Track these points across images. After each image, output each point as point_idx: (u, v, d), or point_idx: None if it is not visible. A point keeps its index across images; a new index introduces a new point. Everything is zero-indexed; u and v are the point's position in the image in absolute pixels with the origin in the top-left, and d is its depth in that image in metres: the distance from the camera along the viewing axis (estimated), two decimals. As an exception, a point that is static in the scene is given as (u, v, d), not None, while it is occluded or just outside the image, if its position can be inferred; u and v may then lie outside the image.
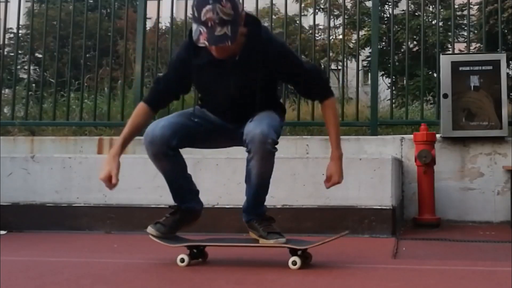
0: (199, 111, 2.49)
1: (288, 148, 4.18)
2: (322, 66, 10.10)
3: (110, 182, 2.26)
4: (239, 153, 3.90)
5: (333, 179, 2.47)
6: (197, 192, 2.55)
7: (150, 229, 2.42)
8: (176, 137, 2.33)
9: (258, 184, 2.36)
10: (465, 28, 9.83)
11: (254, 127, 2.25)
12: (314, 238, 2.73)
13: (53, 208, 3.57)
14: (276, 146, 2.27)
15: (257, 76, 2.32)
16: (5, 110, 6.26)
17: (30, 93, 5.70)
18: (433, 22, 11.98)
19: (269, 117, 2.33)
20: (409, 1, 4.98)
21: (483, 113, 4.07)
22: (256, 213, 2.44)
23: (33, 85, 8.35)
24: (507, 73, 5.25)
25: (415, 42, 12.04)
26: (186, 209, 2.49)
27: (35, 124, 5.37)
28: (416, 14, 12.28)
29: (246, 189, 2.45)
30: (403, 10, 9.22)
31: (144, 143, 2.36)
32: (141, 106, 2.48)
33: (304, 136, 4.55)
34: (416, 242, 3.15)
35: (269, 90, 2.43)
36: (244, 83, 2.34)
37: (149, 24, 6.69)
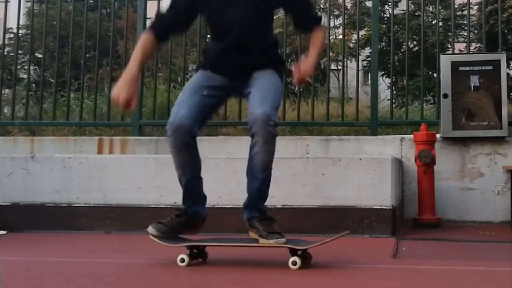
0: (204, 77, 2.50)
1: (288, 148, 4.19)
2: (322, 66, 10.13)
3: (128, 106, 2.32)
4: (239, 153, 3.91)
5: (304, 69, 2.44)
6: (205, 197, 2.55)
7: (150, 229, 2.41)
8: (196, 124, 2.38)
9: (262, 172, 2.39)
10: (465, 28, 9.85)
11: (258, 105, 2.30)
12: (314, 238, 2.73)
13: (53, 208, 3.57)
14: (276, 128, 2.34)
15: (264, 7, 2.45)
16: (5, 110, 6.26)
17: (30, 93, 5.70)
18: (433, 22, 11.99)
19: (272, 89, 2.41)
20: (409, 1, 4.98)
21: (483, 113, 4.07)
22: (258, 209, 2.43)
23: (33, 85, 8.35)
24: (507, 73, 5.25)
25: (415, 42, 12.05)
26: (193, 213, 2.48)
27: (35, 124, 5.37)
28: (416, 14, 12.29)
29: (249, 183, 2.45)
30: (403, 10, 9.23)
31: (167, 135, 2.37)
32: (146, 36, 2.47)
33: (304, 136, 4.55)
34: (416, 242, 3.15)
35: (269, 31, 2.58)
36: (252, 11, 2.42)
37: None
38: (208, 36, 2.67)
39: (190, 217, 2.46)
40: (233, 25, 2.44)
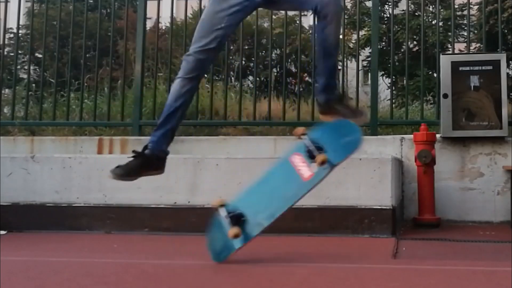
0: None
1: (288, 148, 4.18)
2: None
3: None
4: (239, 153, 3.92)
5: None
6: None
7: (110, 174, 2.49)
8: (220, 46, 2.51)
9: (336, 48, 2.50)
10: (465, 28, 9.85)
11: None
12: (315, 239, 2.74)
13: (53, 208, 3.56)
14: None
15: None
16: (5, 110, 6.26)
17: (30, 93, 5.71)
18: (433, 22, 11.99)
19: None
20: (409, 1, 4.98)
21: (483, 113, 4.07)
22: (335, 88, 2.55)
23: (33, 85, 8.35)
24: (507, 73, 5.25)
25: (415, 42, 12.05)
26: (158, 152, 2.51)
27: (35, 124, 5.37)
28: (416, 14, 12.29)
29: (325, 64, 2.51)
30: (403, 10, 9.24)
31: (186, 62, 2.46)
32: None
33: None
34: (416, 242, 3.15)
35: None
36: None
37: (149, 24, 6.69)
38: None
39: (151, 157, 2.50)
40: None
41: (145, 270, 2.29)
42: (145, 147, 2.51)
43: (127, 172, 2.48)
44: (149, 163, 2.51)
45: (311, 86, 5.75)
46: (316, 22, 2.47)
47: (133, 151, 2.51)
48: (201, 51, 2.46)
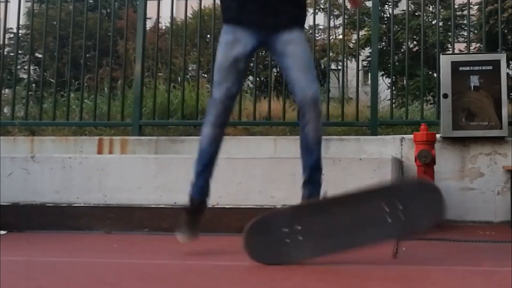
0: (231, 43, 2.60)
1: (288, 148, 4.18)
2: (322, 66, 10.11)
3: None
4: (239, 153, 3.91)
5: None
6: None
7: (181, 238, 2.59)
8: (237, 92, 2.63)
9: (317, 145, 2.60)
10: (465, 28, 9.85)
11: (308, 85, 2.53)
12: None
13: (53, 208, 3.56)
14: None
15: None
16: (5, 110, 6.26)
17: (30, 93, 5.70)
18: (433, 22, 11.98)
19: (311, 62, 2.62)
20: (409, 1, 4.98)
21: (483, 113, 4.07)
22: (318, 183, 2.62)
23: (33, 85, 8.35)
24: (507, 73, 5.25)
25: (415, 42, 12.04)
26: (201, 199, 2.67)
27: (35, 124, 5.37)
28: (416, 14, 12.28)
29: (307, 159, 2.61)
30: (403, 10, 9.23)
31: (212, 107, 2.59)
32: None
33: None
34: (416, 242, 3.15)
35: None
36: None
37: (149, 24, 6.69)
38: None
39: (199, 206, 2.65)
40: None
41: (145, 270, 2.29)
42: (192, 200, 2.67)
43: (192, 231, 2.63)
44: (200, 212, 2.68)
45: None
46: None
47: (184, 209, 2.68)
48: (227, 97, 2.60)
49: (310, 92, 2.54)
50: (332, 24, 9.68)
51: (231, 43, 2.62)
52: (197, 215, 2.68)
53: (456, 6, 5.72)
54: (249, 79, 12.04)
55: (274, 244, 2.35)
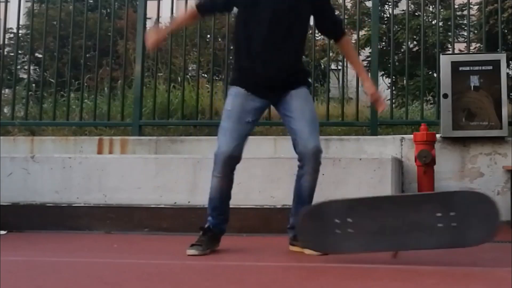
0: (243, 98, 2.66)
1: (288, 148, 4.16)
2: (322, 66, 10.11)
3: (156, 45, 2.79)
4: (239, 153, 3.90)
5: (378, 96, 2.80)
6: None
7: (191, 251, 2.57)
8: (241, 153, 2.62)
9: (310, 197, 2.64)
10: (465, 28, 9.83)
11: (310, 139, 2.57)
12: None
13: (53, 208, 3.56)
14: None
15: (301, 9, 2.66)
16: (5, 110, 6.26)
17: (30, 93, 5.70)
18: (433, 22, 11.99)
19: (315, 117, 2.69)
20: (409, 1, 4.98)
21: (483, 113, 4.07)
22: None
23: (33, 85, 8.35)
24: (507, 73, 5.25)
25: (415, 42, 12.04)
26: (220, 231, 2.69)
27: (35, 124, 5.37)
28: (416, 14, 12.29)
29: (296, 206, 2.67)
30: (403, 10, 9.23)
31: (216, 162, 2.57)
32: (193, 10, 2.83)
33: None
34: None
35: (302, 43, 2.78)
36: (289, 12, 2.63)
37: (149, 24, 6.69)
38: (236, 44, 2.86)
39: (217, 233, 2.69)
40: (267, 31, 2.62)
41: (145, 270, 2.29)
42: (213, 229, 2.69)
43: (207, 249, 2.61)
44: (215, 238, 2.69)
45: (311, 86, 5.74)
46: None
47: (201, 228, 2.69)
48: (235, 150, 2.61)
49: (312, 144, 2.59)
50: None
51: (242, 94, 2.67)
52: (216, 238, 2.71)
53: (456, 6, 5.72)
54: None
55: (324, 233, 2.39)
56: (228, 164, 2.57)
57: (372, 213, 2.38)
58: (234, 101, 2.67)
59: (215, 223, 2.66)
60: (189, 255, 2.53)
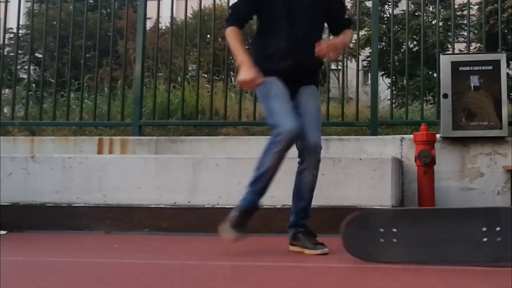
0: (279, 83, 2.70)
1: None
2: (322, 66, 10.10)
3: (255, 84, 2.64)
4: (239, 153, 3.91)
5: (324, 46, 2.72)
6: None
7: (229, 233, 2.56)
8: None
9: (309, 194, 2.67)
10: (465, 28, 9.84)
11: (313, 135, 2.63)
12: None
13: (53, 208, 3.57)
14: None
15: (322, 12, 2.79)
16: (5, 110, 6.26)
17: (30, 93, 5.70)
18: (433, 22, 11.99)
19: (319, 116, 2.77)
20: (409, 1, 4.98)
21: (483, 113, 4.07)
22: (303, 226, 2.68)
23: (33, 85, 8.35)
24: (507, 73, 5.24)
25: (415, 42, 12.06)
26: (255, 206, 2.64)
27: (35, 124, 5.37)
28: (416, 14, 12.30)
29: (296, 204, 2.69)
30: (403, 10, 9.24)
31: (279, 140, 2.56)
32: (233, 29, 2.76)
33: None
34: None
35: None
36: (314, 16, 2.75)
37: (149, 24, 6.68)
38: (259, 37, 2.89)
39: (250, 210, 2.62)
40: (295, 32, 2.70)
41: (145, 270, 2.29)
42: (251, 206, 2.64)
43: (242, 231, 2.59)
44: (250, 215, 2.64)
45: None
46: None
47: (240, 209, 2.63)
48: (299, 126, 2.61)
49: (314, 139, 2.63)
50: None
51: (277, 80, 2.70)
52: (251, 216, 2.65)
53: (456, 6, 5.72)
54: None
55: (368, 241, 2.39)
56: (292, 140, 2.58)
57: (417, 224, 2.38)
58: (274, 85, 2.70)
59: (258, 200, 2.62)
60: (234, 239, 2.53)
